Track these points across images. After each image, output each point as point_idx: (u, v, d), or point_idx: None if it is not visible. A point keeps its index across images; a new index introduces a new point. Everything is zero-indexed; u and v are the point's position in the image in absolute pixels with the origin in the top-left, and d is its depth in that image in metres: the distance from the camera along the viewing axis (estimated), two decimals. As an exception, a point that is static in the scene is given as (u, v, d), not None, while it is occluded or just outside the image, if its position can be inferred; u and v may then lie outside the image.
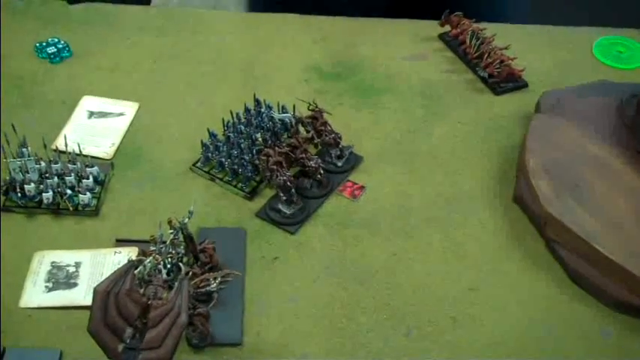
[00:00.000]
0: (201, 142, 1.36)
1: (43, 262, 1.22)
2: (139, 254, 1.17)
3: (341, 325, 1.16)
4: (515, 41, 1.63)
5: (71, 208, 1.28)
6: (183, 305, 0.98)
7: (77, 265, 1.21)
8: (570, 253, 1.24)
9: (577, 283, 1.23)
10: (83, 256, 1.23)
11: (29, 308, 1.16)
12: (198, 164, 1.38)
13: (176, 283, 1.04)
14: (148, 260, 1.09)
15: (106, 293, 0.98)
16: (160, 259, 1.10)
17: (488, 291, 1.22)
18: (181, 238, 1.17)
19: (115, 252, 1.23)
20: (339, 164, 1.38)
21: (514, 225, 1.31)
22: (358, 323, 1.17)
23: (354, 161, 1.40)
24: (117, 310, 0.98)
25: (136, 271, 1.06)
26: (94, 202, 1.30)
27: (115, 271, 1.01)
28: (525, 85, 1.57)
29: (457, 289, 1.22)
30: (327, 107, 1.42)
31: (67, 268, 1.21)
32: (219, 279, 1.11)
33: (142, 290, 1.03)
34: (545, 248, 1.27)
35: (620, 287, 1.19)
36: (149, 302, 1.01)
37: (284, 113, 1.40)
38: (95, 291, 0.98)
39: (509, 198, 1.35)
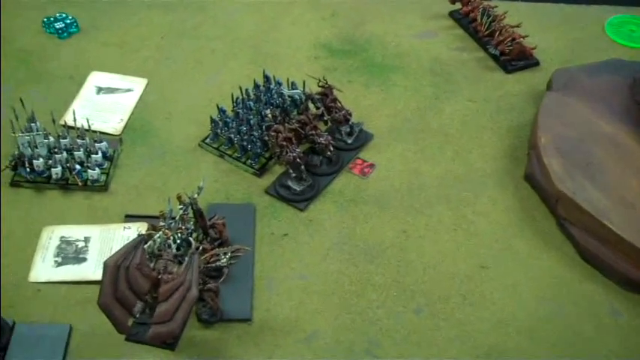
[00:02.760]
0: (211, 118, 1.36)
1: (52, 237, 1.21)
2: (148, 229, 1.17)
3: (351, 302, 1.16)
4: (527, 19, 1.62)
5: (80, 184, 1.27)
6: (193, 279, 0.98)
7: (86, 240, 1.21)
8: (581, 232, 1.23)
9: (588, 261, 1.22)
10: (92, 231, 1.22)
11: (38, 283, 1.16)
12: (207, 140, 1.37)
13: (186, 258, 1.04)
14: (158, 235, 1.09)
15: (116, 267, 0.98)
16: (170, 234, 1.10)
17: (499, 269, 1.21)
18: (191, 214, 1.16)
19: (125, 227, 1.22)
20: (349, 141, 1.37)
21: (525, 203, 1.31)
22: (368, 300, 1.16)
23: (364, 138, 1.39)
24: (127, 284, 0.98)
25: (145, 246, 1.06)
26: (103, 177, 1.29)
27: (124, 245, 1.00)
28: (537, 64, 1.56)
29: (467, 267, 1.21)
30: (337, 84, 1.41)
31: (76, 243, 1.20)
32: (229, 254, 1.10)
33: (152, 265, 1.03)
34: (556, 226, 1.26)
35: (631, 266, 1.18)
36: (159, 276, 1.01)
37: (294, 90, 1.39)
38: (105, 265, 0.98)
39: (520, 176, 1.34)
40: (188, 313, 0.98)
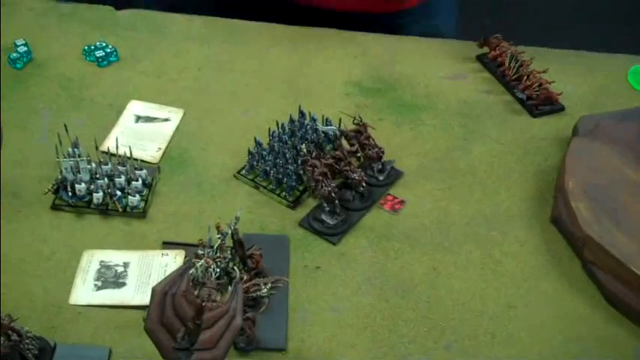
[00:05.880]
0: (249, 150, 1.39)
1: (92, 260, 1.24)
2: (186, 257, 1.20)
3: (383, 336, 1.19)
4: (552, 65, 1.66)
5: (120, 209, 1.31)
6: (238, 308, 1.01)
7: (125, 265, 1.24)
8: (607, 275, 1.26)
9: (613, 304, 1.25)
10: (131, 256, 1.25)
11: (79, 305, 1.19)
12: (243, 172, 1.41)
13: (230, 287, 1.07)
14: (200, 263, 1.12)
15: (163, 294, 1.01)
16: (211, 263, 1.13)
17: (526, 309, 1.24)
18: (228, 243, 1.19)
19: (163, 254, 1.25)
20: (381, 178, 1.41)
21: (551, 245, 1.34)
22: (399, 335, 1.19)
23: (394, 176, 1.43)
24: (173, 311, 1.01)
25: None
26: (142, 204, 1.32)
27: (172, 272, 1.03)
28: (562, 109, 1.60)
29: (496, 306, 1.24)
30: (368, 122, 1.45)
31: (116, 268, 1.23)
32: (269, 284, 1.14)
33: (195, 292, 1.06)
34: (582, 269, 1.30)
35: (655, 311, 1.21)
36: (203, 304, 1.04)
37: (328, 126, 1.43)
38: (153, 291, 1.00)
39: (546, 218, 1.38)
40: (231, 341, 1.00)
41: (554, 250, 1.33)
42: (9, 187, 1.35)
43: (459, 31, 1.95)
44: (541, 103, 1.59)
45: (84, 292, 1.20)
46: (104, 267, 1.23)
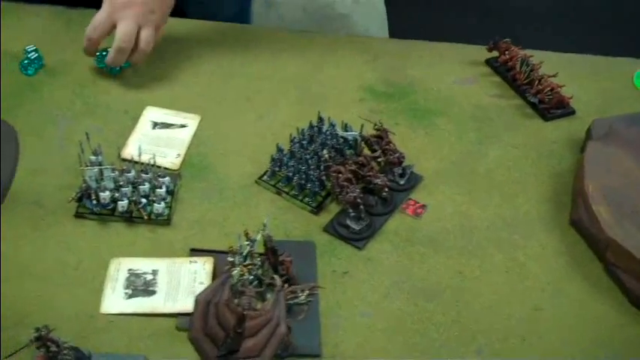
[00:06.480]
0: (271, 156, 1.39)
1: (120, 269, 1.23)
2: (215, 264, 1.20)
3: (414, 341, 1.19)
4: (557, 68, 1.68)
5: (145, 217, 1.30)
6: (282, 316, 1.01)
7: (154, 272, 1.23)
8: (630, 277, 1.28)
9: (637, 307, 1.27)
10: (159, 264, 1.25)
11: (110, 314, 1.18)
12: (265, 177, 1.40)
13: (269, 295, 1.07)
14: (236, 271, 1.12)
15: (206, 303, 1.01)
16: (246, 271, 1.13)
17: (553, 311, 1.26)
18: (258, 250, 1.20)
19: (191, 261, 1.25)
20: (402, 182, 1.42)
21: (571, 248, 1.36)
22: (431, 339, 1.20)
23: (414, 180, 1.44)
24: (216, 320, 1.01)
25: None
26: (167, 211, 1.32)
27: (214, 281, 1.03)
28: (573, 112, 1.62)
29: (523, 309, 1.26)
30: (386, 127, 1.45)
31: (145, 276, 1.23)
32: (307, 291, 1.14)
33: (236, 300, 1.06)
34: (604, 271, 1.32)
35: (678, 311, 1.24)
36: (245, 312, 1.04)
37: (348, 131, 1.44)
38: (196, 300, 1.01)
39: (564, 221, 1.40)
40: (276, 348, 1.01)
41: (575, 253, 1.35)
42: (30, 196, 1.33)
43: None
44: (553, 107, 1.61)
45: (115, 300, 1.19)
46: (133, 275, 1.23)
